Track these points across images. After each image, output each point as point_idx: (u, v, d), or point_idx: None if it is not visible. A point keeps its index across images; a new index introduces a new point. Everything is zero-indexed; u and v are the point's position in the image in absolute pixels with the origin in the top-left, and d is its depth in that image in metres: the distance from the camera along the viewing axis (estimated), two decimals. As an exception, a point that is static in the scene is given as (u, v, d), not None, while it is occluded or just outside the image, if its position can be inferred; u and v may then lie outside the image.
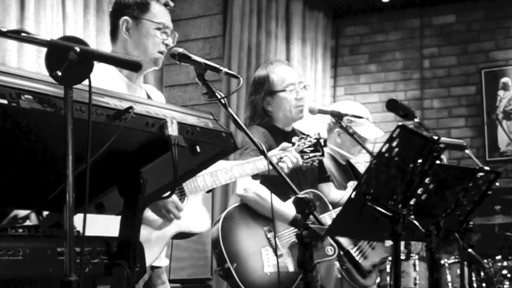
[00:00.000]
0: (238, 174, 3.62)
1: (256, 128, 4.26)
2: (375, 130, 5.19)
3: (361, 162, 5.32)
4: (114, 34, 3.37)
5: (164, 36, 3.31)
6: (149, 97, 3.41)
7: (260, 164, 3.69)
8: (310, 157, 3.98)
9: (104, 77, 2.90)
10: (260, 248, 4.02)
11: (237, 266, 3.93)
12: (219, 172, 3.50)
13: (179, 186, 3.37)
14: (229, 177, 3.57)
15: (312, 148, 3.99)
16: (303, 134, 4.23)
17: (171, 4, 3.38)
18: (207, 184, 3.48)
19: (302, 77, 4.56)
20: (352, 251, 4.83)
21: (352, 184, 4.81)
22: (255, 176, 4.04)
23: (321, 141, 4.02)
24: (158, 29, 3.29)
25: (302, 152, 3.96)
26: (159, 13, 3.30)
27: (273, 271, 3.97)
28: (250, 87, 4.50)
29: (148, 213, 3.19)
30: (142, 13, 3.28)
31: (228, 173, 3.54)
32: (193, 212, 3.45)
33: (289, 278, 4.03)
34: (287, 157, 3.85)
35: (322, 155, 4.05)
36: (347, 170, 5.29)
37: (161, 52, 3.32)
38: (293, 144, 3.96)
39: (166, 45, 3.31)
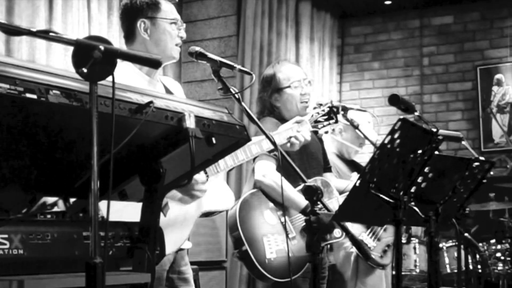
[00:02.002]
0: (256, 151, 3.58)
1: (270, 119, 4.24)
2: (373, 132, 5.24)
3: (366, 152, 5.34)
4: (130, 36, 3.32)
5: (178, 30, 3.32)
6: (166, 89, 3.40)
7: (275, 140, 3.64)
8: (324, 126, 3.93)
9: (126, 75, 2.90)
10: (262, 237, 3.98)
11: (252, 248, 3.91)
12: (238, 152, 3.48)
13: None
14: (248, 155, 3.54)
15: (326, 117, 3.92)
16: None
17: None
18: (227, 164, 3.45)
19: (306, 74, 4.52)
20: (365, 235, 4.82)
21: (355, 175, 4.80)
22: (270, 162, 4.03)
23: (334, 108, 3.96)
24: (173, 23, 3.30)
25: (316, 122, 3.91)
26: (169, 10, 3.31)
27: (276, 256, 3.94)
28: (259, 85, 4.49)
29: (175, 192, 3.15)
30: (155, 13, 3.27)
31: (247, 151, 3.51)
32: (217, 191, 3.43)
33: (301, 260, 3.98)
34: (298, 134, 3.78)
35: (336, 121, 3.97)
36: (350, 163, 5.27)
37: (177, 45, 3.32)
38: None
39: (181, 37, 3.32)
